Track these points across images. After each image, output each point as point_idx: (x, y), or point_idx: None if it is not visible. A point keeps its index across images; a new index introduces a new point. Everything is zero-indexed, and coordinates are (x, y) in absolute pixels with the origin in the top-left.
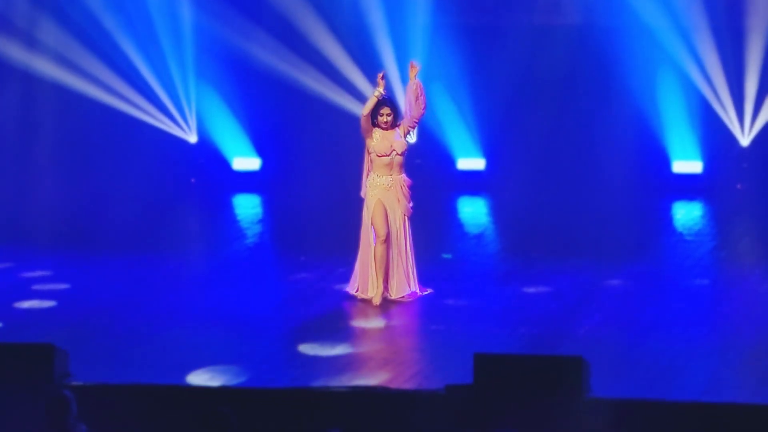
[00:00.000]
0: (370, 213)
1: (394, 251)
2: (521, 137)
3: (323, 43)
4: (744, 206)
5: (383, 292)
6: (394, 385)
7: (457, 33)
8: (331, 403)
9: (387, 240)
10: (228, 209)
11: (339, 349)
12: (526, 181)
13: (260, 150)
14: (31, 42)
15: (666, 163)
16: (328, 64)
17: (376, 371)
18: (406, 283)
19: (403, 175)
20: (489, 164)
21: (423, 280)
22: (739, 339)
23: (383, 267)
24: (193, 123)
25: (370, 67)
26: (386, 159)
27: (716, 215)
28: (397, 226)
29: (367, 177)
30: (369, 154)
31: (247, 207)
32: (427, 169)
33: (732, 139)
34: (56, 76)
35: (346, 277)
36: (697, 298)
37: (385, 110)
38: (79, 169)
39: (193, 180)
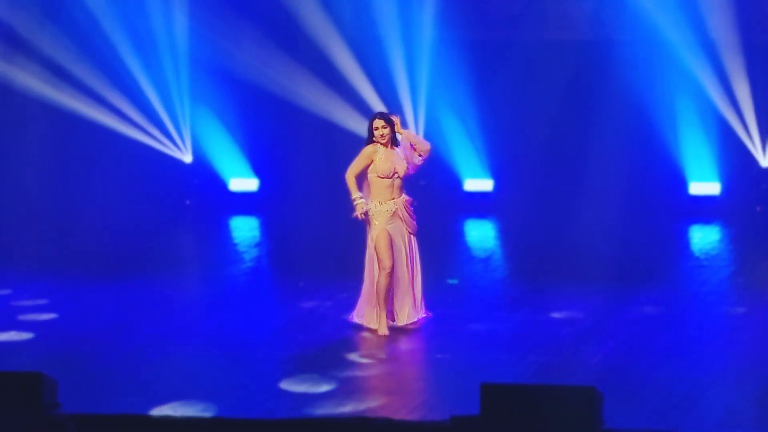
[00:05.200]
0: (373, 243)
1: (402, 277)
2: (530, 157)
3: (324, 61)
4: (764, 230)
5: (389, 321)
6: (397, 416)
7: (463, 49)
8: None
9: (392, 271)
10: (224, 232)
11: (340, 378)
12: (536, 202)
13: (258, 170)
14: (24, 61)
15: (682, 184)
16: (328, 83)
17: (379, 401)
18: (413, 310)
19: (404, 196)
20: (497, 185)
21: (428, 305)
22: (758, 369)
23: (387, 298)
24: (187, 142)
25: (373, 84)
26: (387, 181)
27: (735, 239)
28: (405, 251)
29: (370, 204)
30: (369, 175)
31: (244, 229)
32: (433, 190)
33: (751, 160)
34: (48, 95)
35: (347, 303)
36: (715, 325)
37: (378, 123)
38: (70, 189)
39: (188, 202)
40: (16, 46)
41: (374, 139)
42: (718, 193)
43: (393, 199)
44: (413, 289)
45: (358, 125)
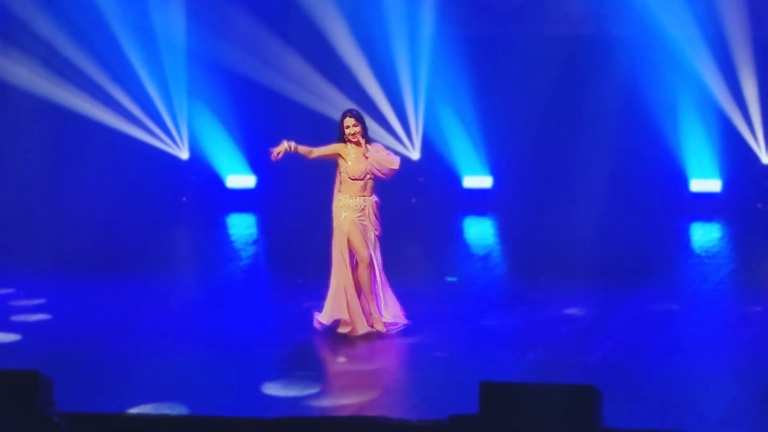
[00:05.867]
0: (345, 236)
1: (371, 279)
2: (530, 154)
3: (323, 57)
4: (765, 227)
5: (379, 316)
6: (395, 415)
7: (462, 44)
8: None
9: (371, 261)
10: (222, 229)
11: (338, 377)
12: (536, 199)
13: (255, 167)
14: (20, 57)
15: (683, 181)
16: (327, 79)
17: (377, 399)
18: (385, 314)
19: (374, 197)
20: (496, 182)
21: (427, 303)
22: (759, 367)
23: (372, 290)
24: (184, 138)
25: (372, 80)
26: (360, 183)
27: (736, 236)
28: (373, 248)
29: (337, 196)
30: (340, 174)
31: (242, 226)
32: (432, 187)
33: (753, 157)
34: (43, 91)
35: None
36: (715, 323)
37: (349, 121)
38: (66, 186)
39: (184, 198)
40: (11, 41)
41: (345, 137)
42: (719, 190)
43: (363, 197)
44: (383, 293)
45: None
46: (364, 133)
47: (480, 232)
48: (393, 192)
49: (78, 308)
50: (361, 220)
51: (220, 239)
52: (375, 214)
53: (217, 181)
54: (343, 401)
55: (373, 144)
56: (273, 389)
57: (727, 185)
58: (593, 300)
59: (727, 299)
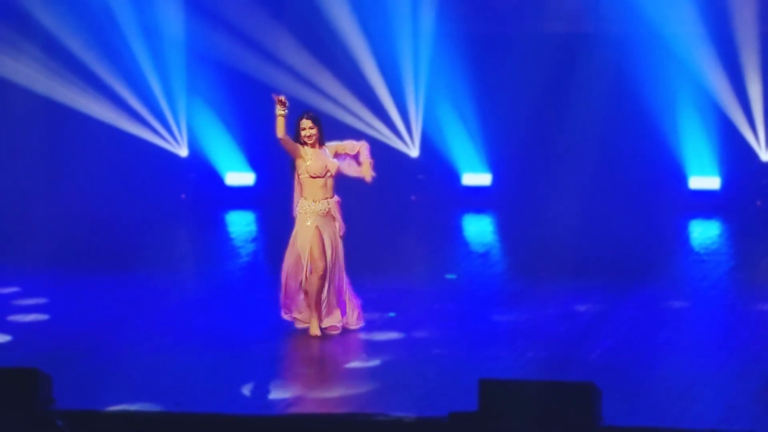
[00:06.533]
0: (307, 243)
1: (334, 279)
2: (529, 151)
3: (322, 55)
4: (764, 224)
5: (319, 323)
6: (395, 412)
7: (462, 42)
8: (330, 430)
9: (324, 273)
10: (221, 226)
11: (337, 375)
12: (535, 197)
13: (254, 164)
14: (18, 55)
15: (682, 178)
16: (326, 76)
17: (376, 397)
18: (346, 313)
19: (336, 196)
20: (495, 179)
21: (426, 301)
22: (759, 365)
23: (319, 299)
24: (183, 135)
25: (371, 78)
26: (320, 181)
27: (735, 234)
28: (336, 252)
29: (299, 202)
30: (299, 176)
31: (241, 224)
32: (431, 184)
33: (752, 154)
34: (41, 87)
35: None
36: (715, 321)
37: (306, 123)
38: (65, 184)
39: (183, 196)
40: (8, 38)
41: (301, 139)
42: (718, 187)
43: (326, 198)
44: (345, 291)
45: (356, 119)
46: (320, 136)
47: (479, 229)
48: (392, 189)
49: (77, 306)
50: (326, 225)
51: (219, 237)
52: (339, 214)
53: (216, 179)
54: (342, 398)
55: (328, 144)
56: (272, 387)
57: (726, 183)
58: (592, 297)
59: (727, 297)
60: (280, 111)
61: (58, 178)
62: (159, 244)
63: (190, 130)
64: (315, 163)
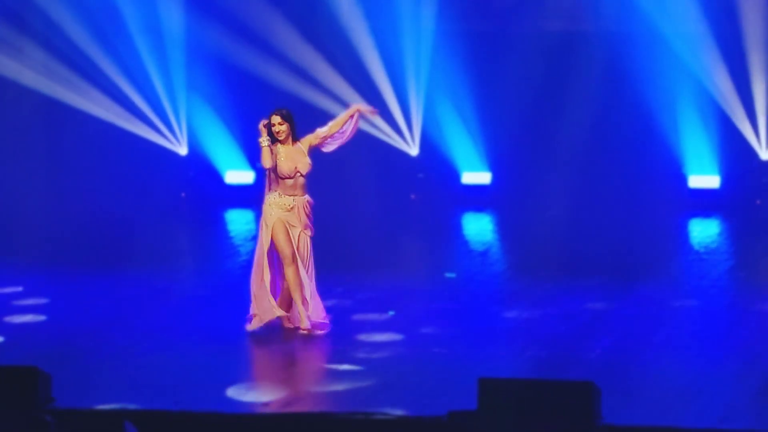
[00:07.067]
0: (269, 233)
1: (302, 278)
2: (529, 150)
3: (319, 52)
4: (764, 223)
5: (291, 318)
6: (394, 411)
7: (462, 40)
8: (329, 429)
9: (294, 259)
10: (220, 225)
11: (336, 373)
12: (534, 196)
13: (253, 163)
14: (19, 54)
15: (682, 177)
16: (326, 74)
17: (375, 396)
18: (309, 313)
19: (306, 196)
20: (495, 178)
21: (426, 299)
22: (758, 364)
23: (300, 289)
24: (183, 134)
25: (371, 76)
26: (290, 181)
27: (734, 233)
28: (300, 246)
29: (267, 195)
30: (270, 173)
31: (240, 222)
32: (430, 183)
33: (751, 153)
34: (40, 86)
35: (344, 297)
36: (714, 320)
37: (275, 119)
38: (64, 182)
39: (183, 194)
40: (7, 37)
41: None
42: (717, 186)
43: (294, 195)
44: (311, 290)
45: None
46: (292, 132)
47: (479, 228)
48: (392, 188)
49: (77, 304)
50: (288, 218)
51: (218, 235)
52: (307, 215)
53: (215, 177)
54: (342, 397)
55: (312, 135)
56: (271, 385)
57: (725, 181)
58: (592, 296)
59: (726, 295)
60: (263, 142)
61: (57, 176)
62: (158, 243)
63: (190, 129)
64: (285, 163)
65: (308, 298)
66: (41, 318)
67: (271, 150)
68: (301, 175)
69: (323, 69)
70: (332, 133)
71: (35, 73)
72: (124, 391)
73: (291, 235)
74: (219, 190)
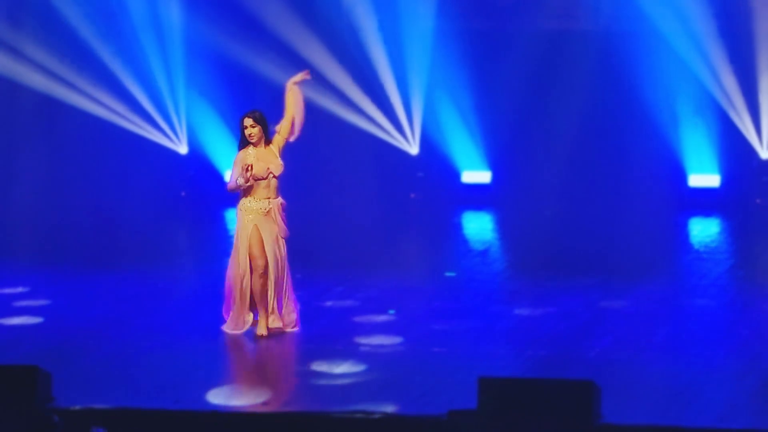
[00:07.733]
0: (246, 241)
1: (278, 279)
2: (529, 149)
3: (320, 51)
4: (764, 222)
5: (265, 322)
6: (394, 410)
7: (462, 38)
8: (328, 428)
9: (265, 271)
10: (220, 223)
11: (335, 373)
12: (534, 195)
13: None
14: (18, 52)
15: (682, 176)
16: (326, 73)
17: (374, 395)
18: (284, 314)
19: (279, 198)
20: (495, 177)
21: (426, 298)
22: (758, 363)
23: (265, 300)
24: (183, 133)
25: (371, 75)
26: (263, 182)
27: (734, 232)
28: (277, 251)
29: (242, 199)
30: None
31: None
32: (430, 182)
33: (751, 152)
34: (43, 86)
35: (344, 296)
36: (714, 319)
37: (247, 122)
38: (65, 181)
39: (183, 193)
40: (7, 36)
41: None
42: (717, 185)
43: (268, 198)
44: (288, 291)
45: (356, 116)
46: (264, 135)
47: (479, 227)
48: (392, 187)
49: (77, 303)
50: (266, 223)
51: (218, 234)
52: (282, 216)
53: (215, 176)
54: (342, 396)
55: (273, 140)
56: (271, 384)
57: (725, 180)
58: (592, 295)
59: (726, 294)
60: (242, 183)
61: (58, 176)
62: (159, 242)
63: (190, 128)
64: (257, 165)
65: (275, 308)
66: (41, 317)
67: (247, 170)
68: (274, 176)
69: (323, 68)
70: (290, 122)
71: (35, 72)
72: (125, 389)
73: (267, 244)
74: (219, 189)
